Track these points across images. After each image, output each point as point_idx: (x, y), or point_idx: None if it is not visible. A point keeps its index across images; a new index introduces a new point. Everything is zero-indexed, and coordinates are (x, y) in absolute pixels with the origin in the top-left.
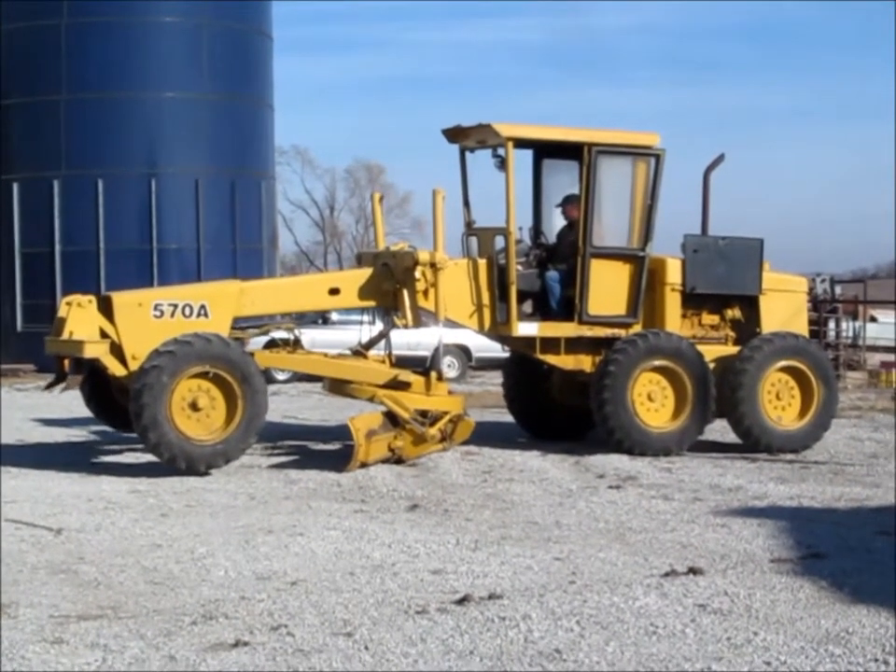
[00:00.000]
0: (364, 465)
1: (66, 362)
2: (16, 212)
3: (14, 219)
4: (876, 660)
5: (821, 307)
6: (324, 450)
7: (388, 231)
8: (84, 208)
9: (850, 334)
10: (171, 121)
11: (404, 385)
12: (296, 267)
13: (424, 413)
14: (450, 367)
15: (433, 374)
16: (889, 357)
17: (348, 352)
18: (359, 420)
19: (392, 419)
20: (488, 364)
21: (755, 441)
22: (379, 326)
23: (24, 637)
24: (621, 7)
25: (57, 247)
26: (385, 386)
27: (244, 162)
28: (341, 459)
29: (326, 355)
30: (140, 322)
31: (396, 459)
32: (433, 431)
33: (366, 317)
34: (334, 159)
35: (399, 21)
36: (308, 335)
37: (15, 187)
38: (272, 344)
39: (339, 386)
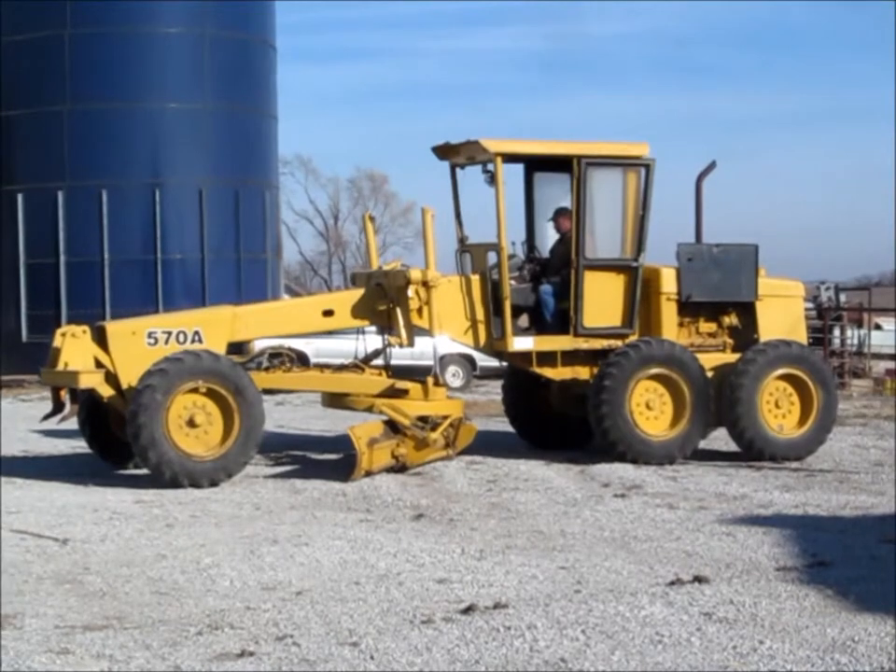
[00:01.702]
0: (369, 473)
1: (63, 393)
2: (20, 223)
3: (19, 230)
4: (882, 668)
5: (826, 315)
6: (328, 460)
7: (393, 240)
8: (88, 219)
9: (855, 342)
10: (174, 132)
11: (402, 393)
12: (300, 277)
13: (424, 419)
14: (454, 376)
15: (430, 379)
16: (894, 365)
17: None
18: (359, 429)
19: (393, 428)
20: (492, 373)
21: (759, 453)
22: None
23: (30, 647)
24: (615, 13)
25: (61, 258)
26: (383, 395)
27: (247, 172)
28: (345, 469)
29: (322, 370)
30: (134, 350)
31: (400, 467)
32: (435, 435)
33: (370, 328)
34: (338, 168)
35: (402, 29)
36: (314, 345)
37: (19, 197)
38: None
39: (336, 400)
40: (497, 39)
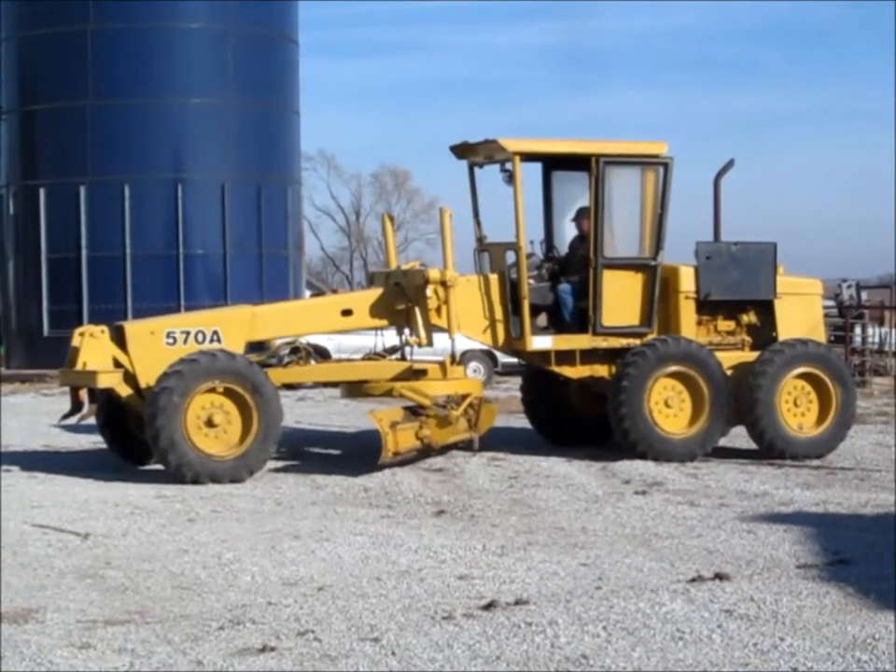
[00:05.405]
0: (397, 455)
1: (81, 392)
2: (42, 217)
3: (41, 225)
4: None
5: (847, 313)
6: (350, 455)
7: (415, 236)
8: (110, 214)
9: (877, 340)
10: (197, 127)
11: (420, 374)
12: (322, 272)
13: (444, 402)
14: (476, 372)
15: (447, 359)
16: None
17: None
18: (380, 412)
19: (413, 413)
20: (514, 370)
21: (780, 453)
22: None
23: (52, 641)
24: (630, 9)
25: (83, 253)
26: (400, 379)
27: (269, 168)
28: (366, 464)
29: (339, 362)
30: (153, 350)
31: (426, 448)
32: (457, 413)
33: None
34: (360, 164)
35: (425, 24)
36: (335, 340)
37: (41, 192)
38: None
39: (355, 388)
40: (519, 36)
